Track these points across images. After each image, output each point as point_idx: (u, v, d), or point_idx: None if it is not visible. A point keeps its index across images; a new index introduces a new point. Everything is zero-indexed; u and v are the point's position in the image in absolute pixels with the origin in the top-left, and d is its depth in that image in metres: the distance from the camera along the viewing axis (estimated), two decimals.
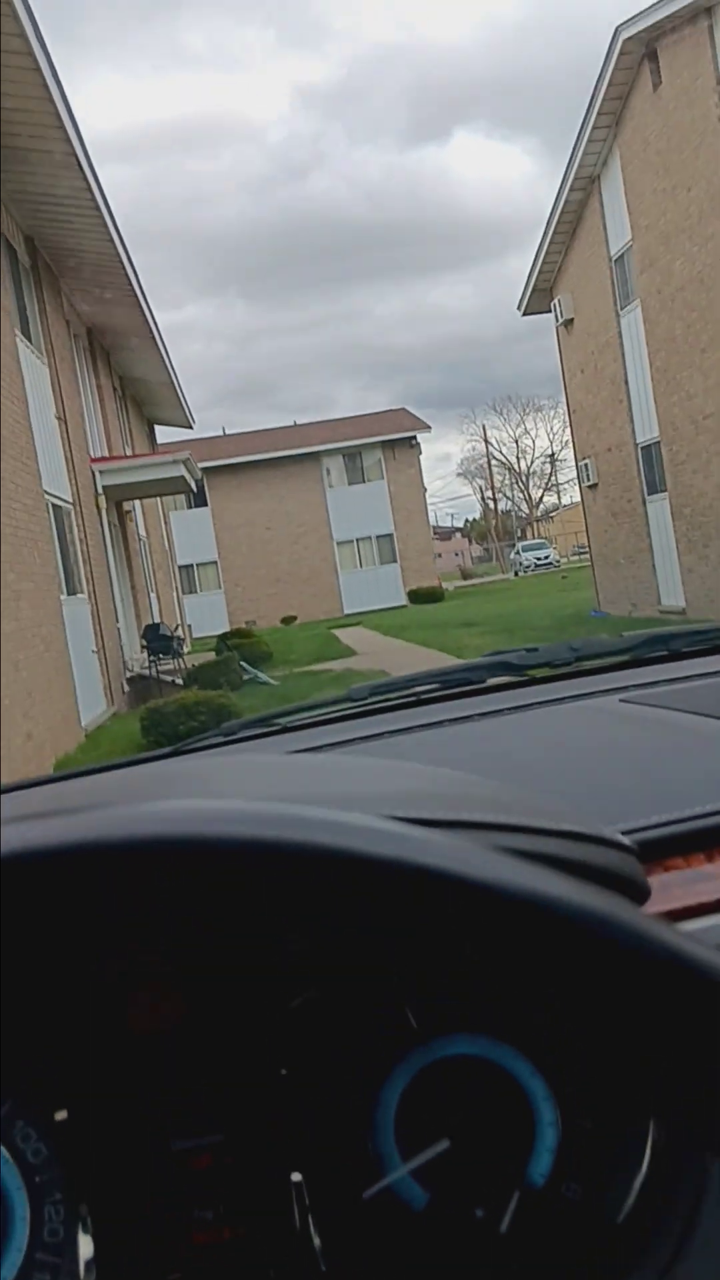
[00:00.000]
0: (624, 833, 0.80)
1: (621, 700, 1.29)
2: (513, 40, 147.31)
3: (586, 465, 21.73)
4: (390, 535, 39.09)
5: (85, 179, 12.73)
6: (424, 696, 1.46)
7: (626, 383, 19.34)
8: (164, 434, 29.04)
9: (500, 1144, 0.75)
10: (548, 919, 0.60)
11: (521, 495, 74.79)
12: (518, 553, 58.49)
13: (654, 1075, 0.69)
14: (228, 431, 43.64)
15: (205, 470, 30.62)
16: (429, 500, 42.58)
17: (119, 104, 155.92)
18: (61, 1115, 0.74)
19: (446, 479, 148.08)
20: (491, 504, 74.21)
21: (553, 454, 71.08)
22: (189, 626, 29.03)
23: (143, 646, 18.44)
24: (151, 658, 17.64)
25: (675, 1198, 0.68)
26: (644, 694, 1.30)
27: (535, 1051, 0.76)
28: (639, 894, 0.75)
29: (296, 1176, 0.74)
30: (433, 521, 51.32)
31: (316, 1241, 0.72)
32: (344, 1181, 0.74)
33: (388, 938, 0.70)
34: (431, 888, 0.60)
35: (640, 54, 16.40)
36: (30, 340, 13.97)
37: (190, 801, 0.63)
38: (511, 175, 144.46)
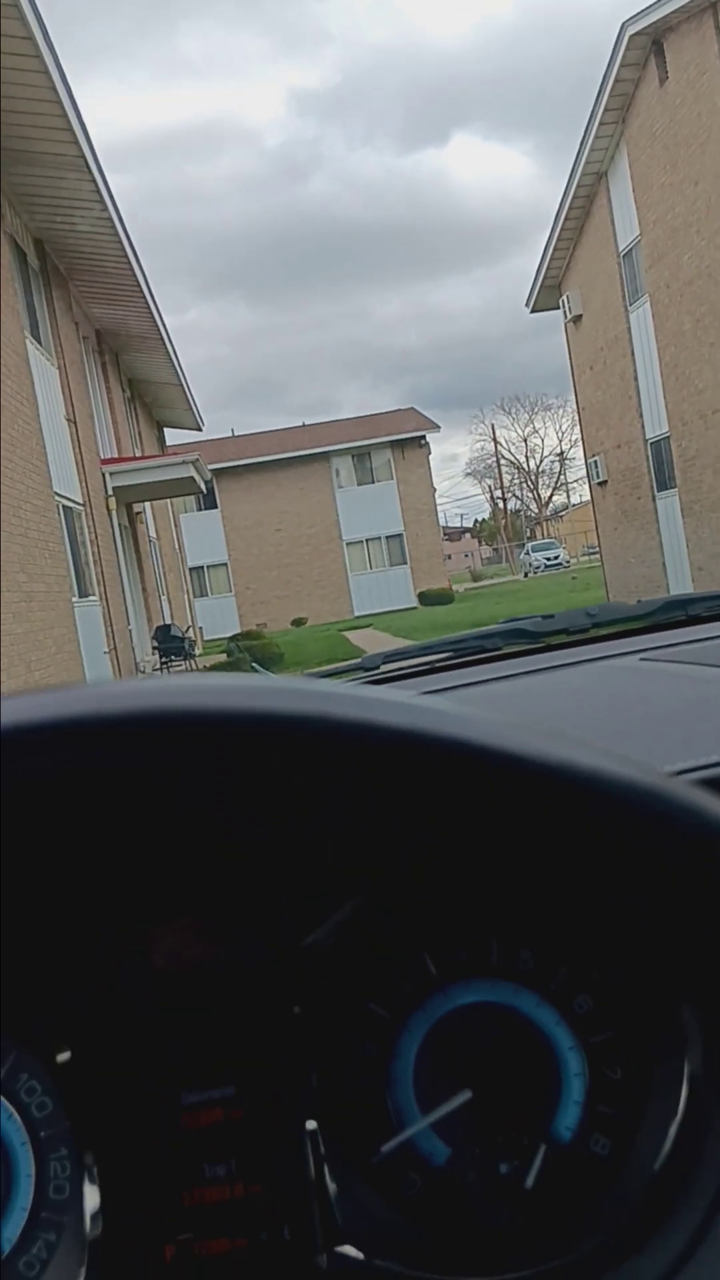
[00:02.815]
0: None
1: (642, 659, 1.26)
2: (507, 43, 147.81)
3: (596, 462, 21.68)
4: (400, 536, 39.05)
5: (94, 181, 12.74)
6: (438, 664, 1.43)
7: (636, 378, 19.29)
8: (173, 436, 29.06)
9: (524, 1096, 0.72)
10: (602, 794, 0.56)
11: (531, 494, 74.71)
12: (527, 553, 58.36)
13: (692, 1004, 0.66)
14: (236, 433, 43.68)
15: (215, 472, 30.69)
16: (437, 501, 42.53)
17: (118, 112, 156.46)
18: (64, 1057, 0.71)
19: (454, 479, 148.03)
20: (501, 504, 74.15)
21: (562, 452, 71.04)
22: (200, 628, 29.03)
23: (154, 648, 18.43)
24: (163, 659, 17.64)
25: (711, 1147, 0.65)
26: (665, 653, 1.27)
27: (561, 999, 0.72)
28: None
29: (311, 1124, 0.70)
30: (442, 522, 51.22)
31: (333, 1191, 0.69)
32: (360, 1135, 0.71)
33: (419, 839, 0.66)
34: (471, 760, 0.56)
35: (647, 49, 16.36)
36: (40, 342, 13.98)
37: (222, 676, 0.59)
38: (510, 176, 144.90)
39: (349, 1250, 0.68)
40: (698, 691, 1.07)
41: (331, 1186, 0.70)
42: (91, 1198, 0.70)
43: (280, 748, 0.56)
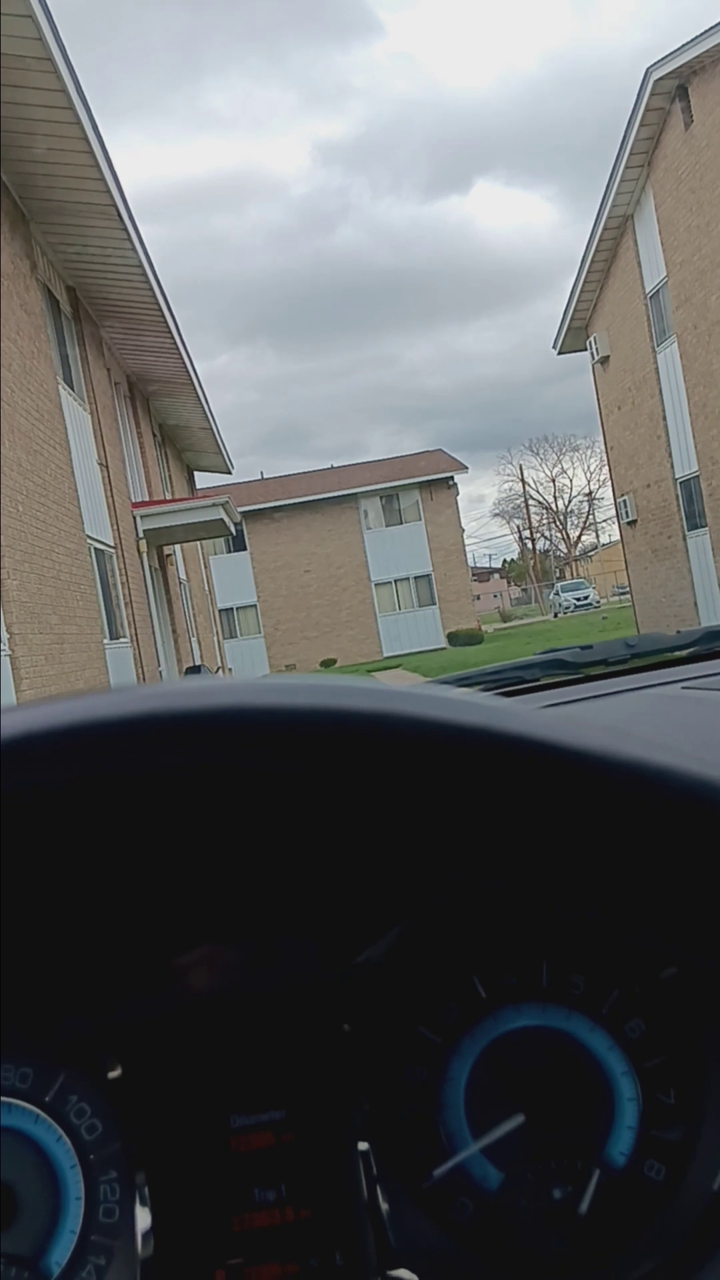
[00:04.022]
0: None
1: (684, 687, 1.25)
2: (528, 93, 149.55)
3: (625, 502, 21.67)
4: (429, 576, 39.09)
5: (125, 229, 12.94)
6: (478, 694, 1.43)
7: (665, 418, 19.32)
8: (203, 479, 29.30)
9: (577, 1121, 0.71)
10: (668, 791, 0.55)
11: (560, 534, 74.67)
12: (557, 593, 58.25)
13: None
14: (265, 476, 43.96)
15: (244, 514, 30.84)
16: (465, 541, 42.57)
17: (147, 163, 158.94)
18: (115, 1074, 0.71)
19: (482, 519, 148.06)
20: (529, 544, 74.12)
21: (590, 492, 71.06)
22: (230, 670, 29.07)
23: None
24: None
25: None
26: (707, 681, 1.26)
27: (613, 1023, 0.72)
28: None
29: (363, 1145, 0.70)
30: (470, 563, 51.24)
31: (385, 1214, 0.69)
32: (412, 1159, 0.70)
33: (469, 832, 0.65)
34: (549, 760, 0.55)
35: (672, 93, 16.52)
36: (72, 388, 14.16)
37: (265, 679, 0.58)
38: (533, 221, 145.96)
39: (403, 1274, 0.68)
40: None
41: (384, 1209, 0.69)
42: (142, 1221, 0.69)
43: (348, 747, 0.55)
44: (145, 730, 0.54)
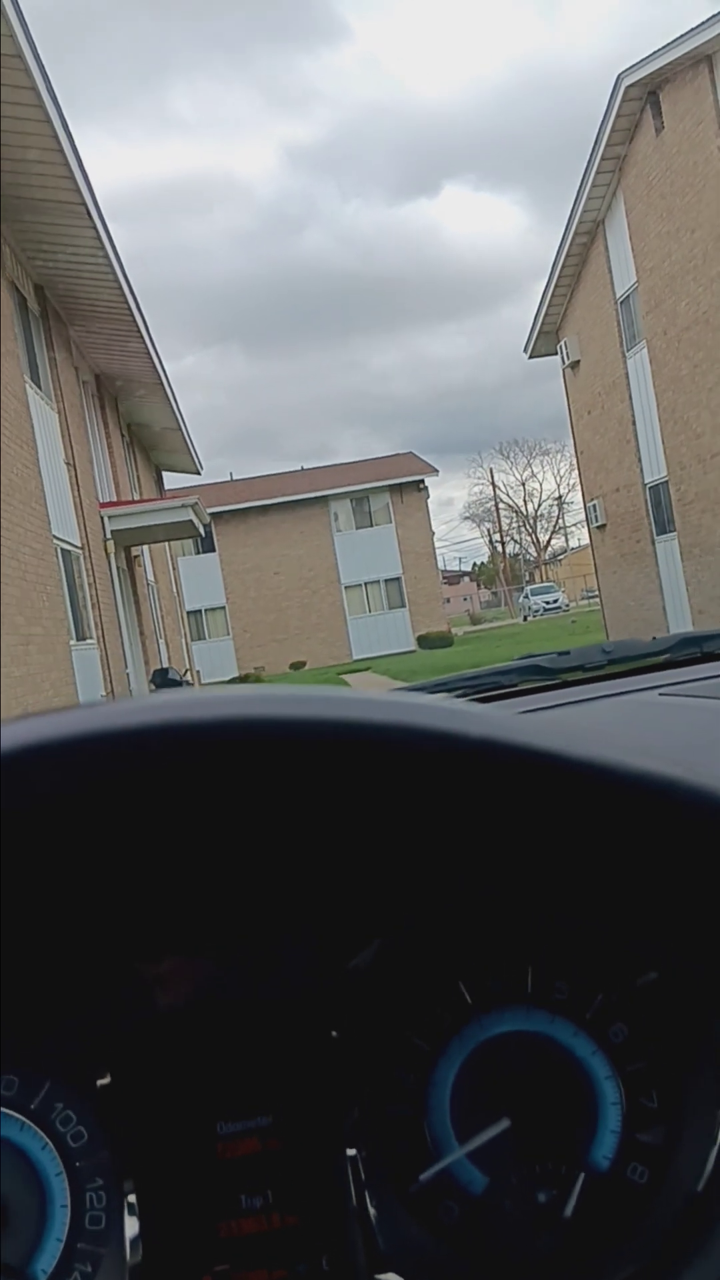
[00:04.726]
0: None
1: (661, 694, 1.26)
2: (497, 99, 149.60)
3: (595, 506, 21.78)
4: (398, 579, 39.13)
5: (94, 227, 12.88)
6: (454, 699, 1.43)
7: (634, 423, 19.44)
8: (171, 480, 29.18)
9: (561, 1125, 0.71)
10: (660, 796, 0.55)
11: (529, 538, 74.96)
12: (526, 596, 58.46)
13: None
14: (234, 477, 43.88)
15: (213, 515, 30.76)
16: (435, 544, 42.65)
17: (113, 165, 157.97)
18: (103, 1081, 0.71)
19: (451, 523, 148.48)
20: (499, 548, 74.39)
21: (560, 496, 71.37)
22: (198, 672, 29.01)
23: (152, 691, 18.38)
24: None
25: None
26: (683, 688, 1.27)
27: (596, 1028, 0.72)
28: None
29: (351, 1151, 0.70)
30: (440, 566, 51.35)
31: (374, 1218, 0.69)
32: (398, 1164, 0.71)
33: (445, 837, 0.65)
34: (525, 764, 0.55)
35: (643, 99, 16.63)
36: (40, 387, 14.08)
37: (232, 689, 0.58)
38: (502, 226, 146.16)
39: (390, 1278, 0.68)
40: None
41: (372, 1213, 0.69)
42: (129, 1228, 0.69)
43: (335, 756, 0.55)
44: (156, 742, 0.54)
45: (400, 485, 39.34)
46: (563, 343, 21.89)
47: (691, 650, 1.49)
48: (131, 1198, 0.69)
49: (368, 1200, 0.69)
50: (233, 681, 20.89)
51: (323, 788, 0.58)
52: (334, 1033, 0.72)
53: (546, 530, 74.32)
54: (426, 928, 0.72)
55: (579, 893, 0.68)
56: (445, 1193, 0.70)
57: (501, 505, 72.09)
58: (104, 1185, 0.70)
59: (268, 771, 0.56)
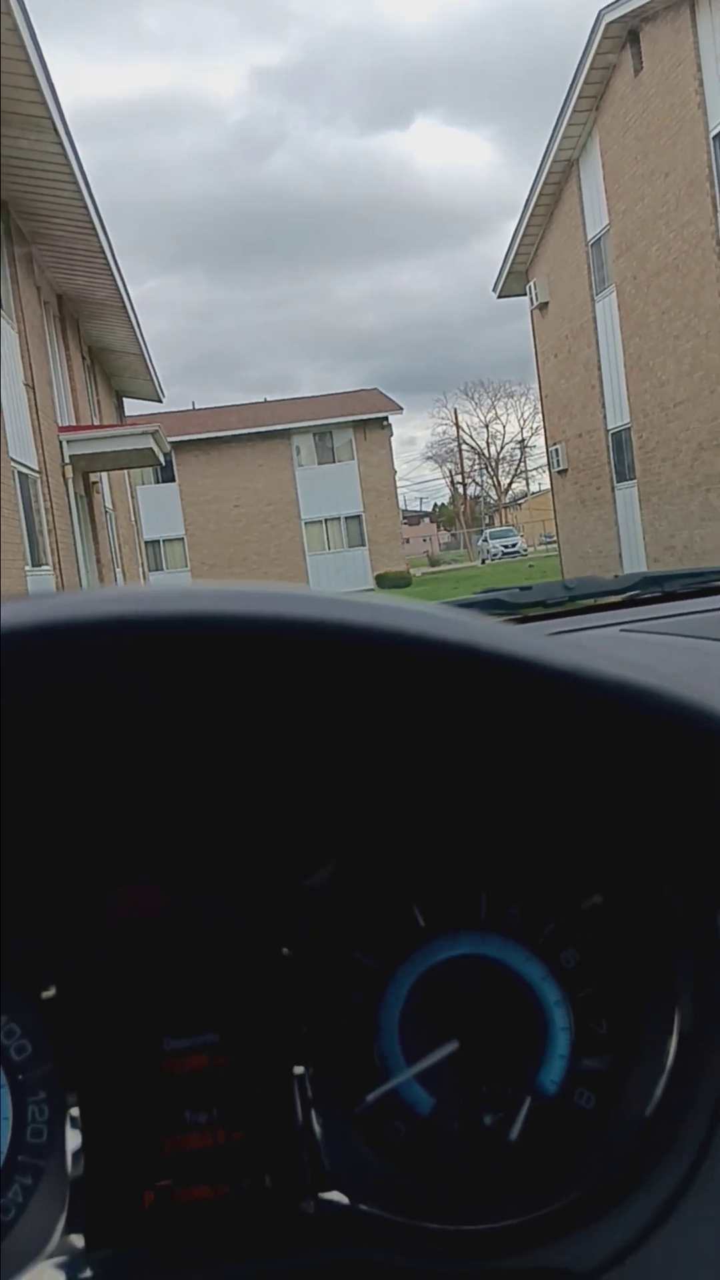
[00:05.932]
0: None
1: (622, 630, 1.26)
2: (470, 29, 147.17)
3: (557, 450, 21.76)
4: (359, 517, 38.96)
5: (60, 142, 12.56)
6: None
7: (600, 368, 19.37)
8: (132, 407, 28.75)
9: (510, 1049, 0.71)
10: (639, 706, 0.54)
11: (491, 481, 74.86)
12: (485, 540, 58.37)
13: (687, 949, 0.66)
14: (197, 406, 43.37)
15: (174, 445, 30.40)
16: (397, 484, 42.48)
17: (80, 82, 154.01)
18: (49, 993, 0.70)
19: (413, 463, 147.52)
20: (461, 489, 74.25)
21: (523, 440, 71.22)
22: None
23: None
24: None
25: (698, 1101, 0.65)
26: (643, 625, 1.27)
27: (548, 953, 0.72)
28: None
29: (299, 1069, 0.70)
30: (401, 505, 51.21)
31: (319, 1136, 0.69)
32: (346, 1084, 0.71)
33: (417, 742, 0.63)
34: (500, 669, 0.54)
35: (623, 38, 16.38)
36: (0, 305, 13.78)
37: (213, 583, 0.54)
38: (473, 161, 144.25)
39: (335, 1195, 0.68)
40: (682, 660, 1.07)
41: (318, 1131, 0.69)
42: (71, 1141, 0.69)
43: (300, 654, 0.53)
44: (120, 633, 0.51)
45: (364, 421, 39.03)
46: (532, 283, 21.71)
47: (653, 589, 1.49)
48: (75, 1111, 0.69)
49: (314, 1118, 0.69)
50: None
51: (295, 690, 0.56)
52: (285, 950, 0.71)
53: (508, 474, 74.28)
54: (383, 849, 0.72)
55: (538, 811, 0.67)
56: (392, 1113, 0.70)
57: (464, 446, 71.89)
58: (47, 1098, 0.69)
59: (239, 669, 0.54)
